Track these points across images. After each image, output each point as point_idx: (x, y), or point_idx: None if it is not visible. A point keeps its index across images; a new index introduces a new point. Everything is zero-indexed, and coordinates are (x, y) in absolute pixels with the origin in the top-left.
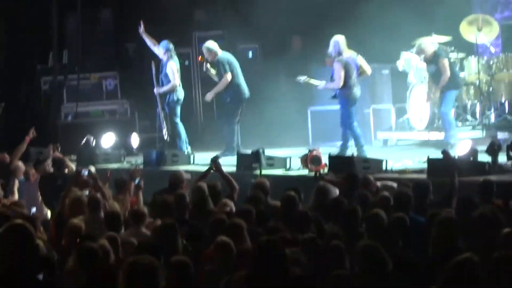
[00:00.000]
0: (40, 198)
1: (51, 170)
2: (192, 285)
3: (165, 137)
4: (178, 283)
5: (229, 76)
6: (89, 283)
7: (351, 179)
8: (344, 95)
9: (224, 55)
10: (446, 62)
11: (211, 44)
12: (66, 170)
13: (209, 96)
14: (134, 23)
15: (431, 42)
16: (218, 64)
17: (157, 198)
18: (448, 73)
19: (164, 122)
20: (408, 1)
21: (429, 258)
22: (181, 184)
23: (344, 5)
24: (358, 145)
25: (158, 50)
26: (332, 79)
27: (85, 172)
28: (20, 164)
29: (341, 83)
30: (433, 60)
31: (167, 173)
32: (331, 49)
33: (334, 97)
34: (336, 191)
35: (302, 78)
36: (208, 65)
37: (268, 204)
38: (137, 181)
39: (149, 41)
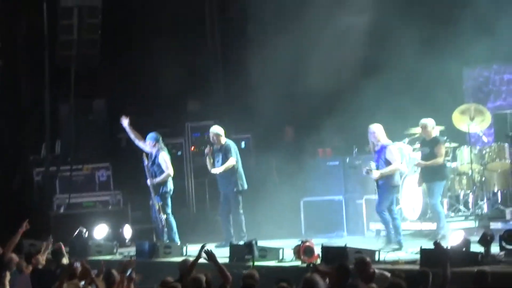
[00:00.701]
0: None
1: (44, 263)
2: None
3: (164, 227)
4: None
5: (234, 161)
6: None
7: (342, 270)
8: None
9: (230, 142)
10: (443, 149)
11: (219, 129)
12: (64, 261)
13: (216, 170)
14: (127, 113)
15: (435, 128)
16: (225, 150)
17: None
18: (441, 160)
19: (161, 214)
20: (400, 90)
21: None
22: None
23: (336, 97)
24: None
25: (145, 143)
26: (387, 162)
27: (77, 264)
28: (14, 256)
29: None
30: (430, 143)
31: (160, 264)
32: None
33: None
34: (323, 283)
35: (206, 150)
36: (209, 153)
37: None
38: (128, 272)
39: (133, 135)
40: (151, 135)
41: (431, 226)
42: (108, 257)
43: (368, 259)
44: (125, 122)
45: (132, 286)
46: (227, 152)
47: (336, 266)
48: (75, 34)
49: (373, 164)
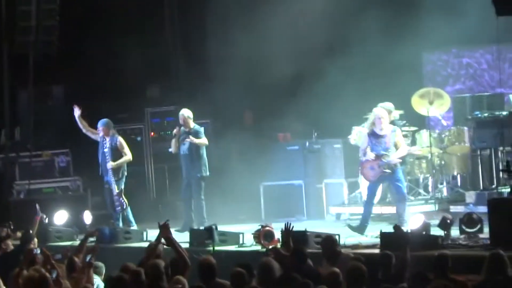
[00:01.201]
0: None
1: (12, 247)
2: None
3: (125, 206)
4: None
5: (206, 141)
6: None
7: (298, 253)
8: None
9: (198, 126)
10: (401, 134)
11: (189, 112)
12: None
13: (192, 139)
14: (86, 99)
15: (393, 112)
16: (194, 132)
17: (112, 276)
18: (405, 146)
19: (123, 197)
20: (359, 75)
21: None
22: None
23: (296, 81)
24: None
25: (93, 133)
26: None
27: (37, 251)
28: None
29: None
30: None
31: (120, 250)
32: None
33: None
34: (278, 267)
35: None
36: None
37: (217, 283)
38: (88, 258)
39: (82, 125)
40: (106, 121)
41: (391, 210)
42: (68, 243)
43: (336, 237)
44: (76, 112)
45: (90, 271)
46: (197, 134)
47: (292, 249)
48: (34, 20)
49: (371, 153)
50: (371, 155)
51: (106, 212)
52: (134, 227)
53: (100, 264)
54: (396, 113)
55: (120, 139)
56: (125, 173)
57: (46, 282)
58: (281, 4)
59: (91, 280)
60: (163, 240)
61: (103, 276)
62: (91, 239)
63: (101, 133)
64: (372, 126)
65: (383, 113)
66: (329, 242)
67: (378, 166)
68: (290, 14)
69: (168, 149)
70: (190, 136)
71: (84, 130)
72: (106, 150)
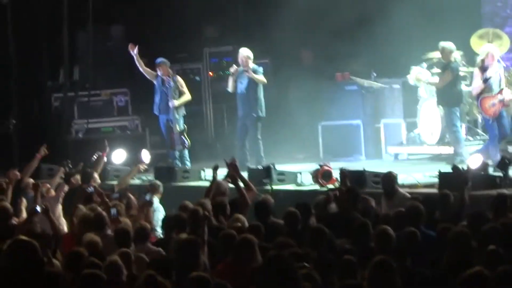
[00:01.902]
0: (58, 212)
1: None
2: None
3: (187, 144)
4: None
5: (265, 80)
6: None
7: (352, 193)
8: None
9: (258, 66)
10: (448, 77)
11: (249, 52)
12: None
13: (252, 74)
14: (145, 39)
15: (454, 52)
16: (254, 71)
17: (170, 214)
18: (440, 85)
19: (185, 136)
20: (418, 16)
21: (441, 272)
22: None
23: (354, 20)
24: None
25: (155, 70)
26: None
27: (90, 189)
28: (31, 181)
29: None
30: (446, 67)
31: (178, 188)
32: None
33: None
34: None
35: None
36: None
37: (272, 222)
38: (148, 197)
39: (139, 64)
40: (165, 60)
41: (449, 150)
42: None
43: (395, 174)
44: (133, 49)
45: (150, 210)
46: (255, 72)
47: (347, 189)
48: None
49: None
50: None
51: (165, 151)
52: (189, 167)
53: (159, 183)
54: (457, 54)
55: (179, 79)
56: (184, 113)
57: (101, 220)
58: None
59: (149, 218)
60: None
61: (160, 196)
62: (150, 177)
63: (160, 72)
64: (482, 62)
65: (495, 50)
66: (388, 178)
67: (499, 101)
68: None
69: (226, 89)
70: (250, 70)
71: (141, 69)
72: (167, 88)
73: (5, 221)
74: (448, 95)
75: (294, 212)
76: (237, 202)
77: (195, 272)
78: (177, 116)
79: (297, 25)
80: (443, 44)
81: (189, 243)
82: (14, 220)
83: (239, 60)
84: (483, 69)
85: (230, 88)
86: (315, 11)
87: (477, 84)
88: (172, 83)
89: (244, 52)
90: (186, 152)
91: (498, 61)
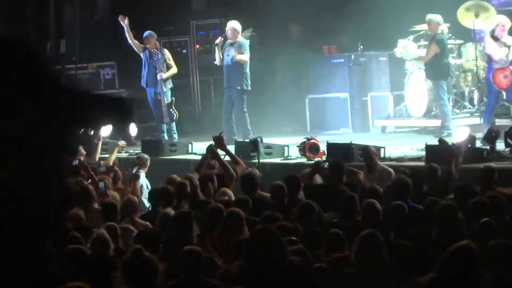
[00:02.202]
0: None
1: None
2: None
3: (175, 117)
4: (188, 272)
5: (247, 58)
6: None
7: (336, 165)
8: None
9: (243, 39)
10: (434, 49)
11: (237, 24)
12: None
13: (235, 55)
14: (132, 12)
15: (441, 24)
16: (238, 45)
17: (158, 188)
18: (427, 59)
19: (173, 108)
20: None
21: (429, 245)
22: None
23: None
24: None
25: (136, 44)
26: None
27: (75, 162)
28: None
29: None
30: (430, 38)
31: (165, 162)
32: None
33: None
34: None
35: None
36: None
37: (259, 195)
38: (134, 170)
39: (128, 35)
40: (152, 33)
41: (437, 123)
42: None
43: (372, 148)
44: (124, 20)
45: (137, 184)
46: (240, 47)
47: (330, 162)
48: None
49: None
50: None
51: (151, 125)
52: (176, 140)
53: (146, 156)
54: (444, 26)
55: (167, 52)
56: (171, 85)
57: (87, 194)
58: None
59: (137, 191)
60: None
61: (146, 169)
62: (137, 150)
63: (148, 45)
64: (493, 32)
65: (506, 20)
66: (366, 152)
67: (510, 72)
68: None
69: (213, 62)
70: (232, 50)
71: (129, 41)
72: (155, 60)
73: None
74: (435, 68)
75: (281, 185)
76: (221, 176)
77: (187, 246)
78: (164, 89)
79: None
80: (430, 16)
81: (182, 216)
82: None
83: (227, 32)
84: (495, 38)
85: (217, 60)
86: None
87: (496, 50)
88: (159, 56)
89: (233, 25)
90: (173, 125)
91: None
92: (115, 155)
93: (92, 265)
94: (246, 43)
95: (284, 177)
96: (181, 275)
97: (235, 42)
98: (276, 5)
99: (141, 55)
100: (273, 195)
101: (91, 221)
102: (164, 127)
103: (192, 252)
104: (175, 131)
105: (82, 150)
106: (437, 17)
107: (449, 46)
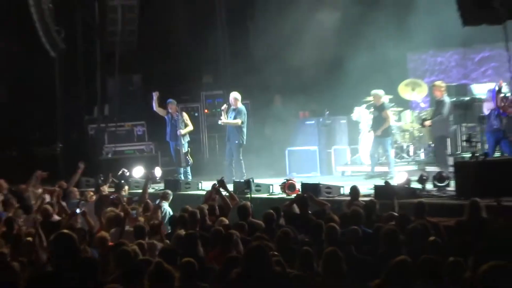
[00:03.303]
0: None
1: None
2: (196, 279)
3: (190, 163)
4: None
5: (240, 122)
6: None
7: (299, 199)
8: None
9: (243, 107)
10: (389, 113)
11: (237, 95)
12: (123, 192)
13: (223, 121)
14: (157, 84)
15: (383, 96)
16: (238, 111)
17: (175, 215)
18: (389, 121)
19: (189, 156)
20: (361, 69)
21: (377, 259)
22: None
23: (313, 75)
24: None
25: (162, 110)
26: None
27: (113, 197)
28: (74, 189)
29: None
30: (379, 108)
31: (182, 196)
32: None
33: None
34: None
35: (223, 107)
36: (225, 110)
37: (250, 221)
38: (157, 202)
39: (155, 105)
40: (173, 100)
41: (383, 169)
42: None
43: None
44: (156, 94)
45: (159, 211)
46: (238, 114)
47: (296, 196)
48: (119, 26)
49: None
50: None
51: (172, 168)
52: (190, 180)
53: (170, 192)
54: (387, 98)
55: (184, 114)
56: (188, 139)
57: (120, 219)
58: (304, 17)
59: (158, 217)
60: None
61: (169, 201)
62: (161, 187)
63: (170, 109)
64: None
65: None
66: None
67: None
68: (312, 23)
69: (218, 122)
70: (227, 120)
71: (155, 108)
72: (176, 120)
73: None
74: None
75: (271, 213)
76: (222, 207)
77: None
78: (183, 141)
79: (271, 76)
80: (374, 91)
81: (190, 236)
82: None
83: (230, 100)
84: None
85: (222, 120)
86: (284, 67)
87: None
88: (179, 117)
89: (235, 95)
90: (189, 168)
91: (384, 105)
92: (147, 190)
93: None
94: (244, 110)
95: (270, 207)
96: (182, 280)
97: (236, 108)
98: (265, 81)
99: (165, 117)
100: (265, 220)
101: (125, 239)
102: (182, 170)
103: (187, 262)
104: (190, 173)
105: (126, 187)
106: (379, 92)
107: (392, 112)
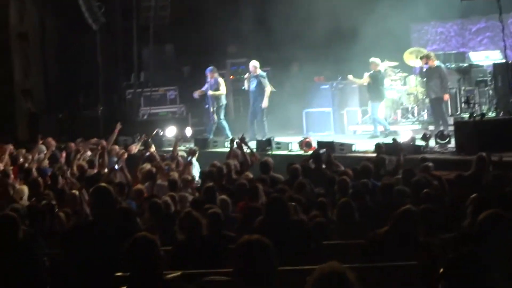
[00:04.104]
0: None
1: (136, 151)
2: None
3: (214, 124)
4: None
5: (269, 91)
6: (157, 225)
7: (316, 156)
8: None
9: (262, 73)
10: (365, 80)
11: (256, 62)
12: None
13: (265, 104)
14: (187, 53)
15: (378, 64)
16: (260, 77)
17: (205, 170)
18: (360, 85)
19: (214, 114)
20: (370, 39)
21: (384, 208)
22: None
23: (328, 42)
24: None
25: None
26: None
27: (147, 154)
28: (115, 147)
29: None
30: (374, 75)
31: (210, 153)
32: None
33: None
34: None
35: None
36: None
37: (272, 175)
38: (189, 159)
39: (200, 92)
40: (212, 67)
41: (393, 128)
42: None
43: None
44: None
45: (190, 167)
46: (260, 80)
47: (313, 154)
48: (153, 1)
49: None
50: None
51: (201, 128)
52: (228, 136)
53: (196, 148)
54: (383, 65)
55: (220, 79)
56: (223, 103)
57: (154, 174)
58: None
59: (190, 173)
60: (234, 145)
61: (196, 156)
62: (191, 145)
63: (208, 75)
64: None
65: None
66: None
67: None
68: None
69: (242, 87)
70: (255, 80)
71: (196, 95)
72: (211, 85)
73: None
74: (372, 94)
75: (296, 167)
76: (242, 163)
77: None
78: (216, 104)
79: (289, 43)
80: (372, 59)
81: (208, 189)
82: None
83: (250, 68)
84: None
85: (245, 86)
86: (302, 33)
87: None
88: (213, 82)
89: (253, 63)
90: (226, 125)
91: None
92: (177, 148)
93: (162, 218)
94: (264, 74)
95: (288, 163)
96: (209, 228)
97: (256, 74)
98: (283, 50)
99: (206, 85)
100: (291, 174)
101: (158, 192)
102: (214, 127)
103: (214, 213)
104: (228, 129)
105: (152, 145)
106: (376, 60)
107: (397, 77)
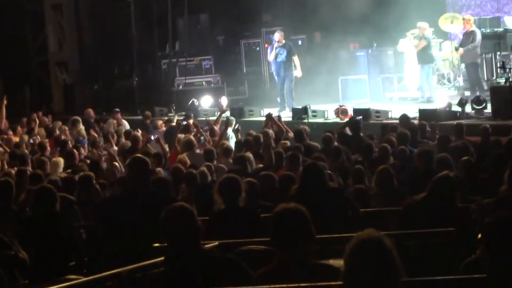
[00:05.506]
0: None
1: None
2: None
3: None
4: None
5: (298, 62)
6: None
7: (353, 122)
8: None
9: (288, 42)
10: (423, 43)
11: (281, 32)
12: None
13: (299, 73)
14: (223, 23)
15: (426, 28)
16: (288, 46)
17: (241, 140)
18: (417, 49)
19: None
20: (405, 5)
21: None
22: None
23: (364, 9)
24: None
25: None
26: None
27: (183, 123)
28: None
29: None
30: (420, 37)
31: (246, 122)
32: None
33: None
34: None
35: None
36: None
37: (307, 144)
38: (236, 126)
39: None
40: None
41: (427, 94)
42: (212, 118)
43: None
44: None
45: (239, 135)
46: (290, 49)
47: (350, 121)
48: None
49: None
50: None
51: (236, 97)
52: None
53: (232, 118)
54: (430, 30)
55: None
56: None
57: (191, 142)
58: None
59: (226, 142)
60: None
61: (233, 127)
62: (227, 114)
63: (276, 38)
64: None
65: None
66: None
67: None
68: None
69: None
70: (283, 50)
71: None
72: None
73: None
74: (424, 57)
75: (330, 136)
76: (277, 132)
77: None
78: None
79: (324, 12)
80: (420, 23)
81: (241, 158)
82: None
83: (277, 38)
84: None
85: (271, 58)
86: (336, 1)
87: None
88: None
89: (280, 33)
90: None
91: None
92: (220, 119)
93: (199, 188)
94: (292, 46)
95: (325, 131)
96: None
97: (284, 44)
98: (318, 17)
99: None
100: (324, 142)
101: (195, 162)
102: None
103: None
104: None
105: (191, 115)
106: (424, 24)
107: (434, 43)
